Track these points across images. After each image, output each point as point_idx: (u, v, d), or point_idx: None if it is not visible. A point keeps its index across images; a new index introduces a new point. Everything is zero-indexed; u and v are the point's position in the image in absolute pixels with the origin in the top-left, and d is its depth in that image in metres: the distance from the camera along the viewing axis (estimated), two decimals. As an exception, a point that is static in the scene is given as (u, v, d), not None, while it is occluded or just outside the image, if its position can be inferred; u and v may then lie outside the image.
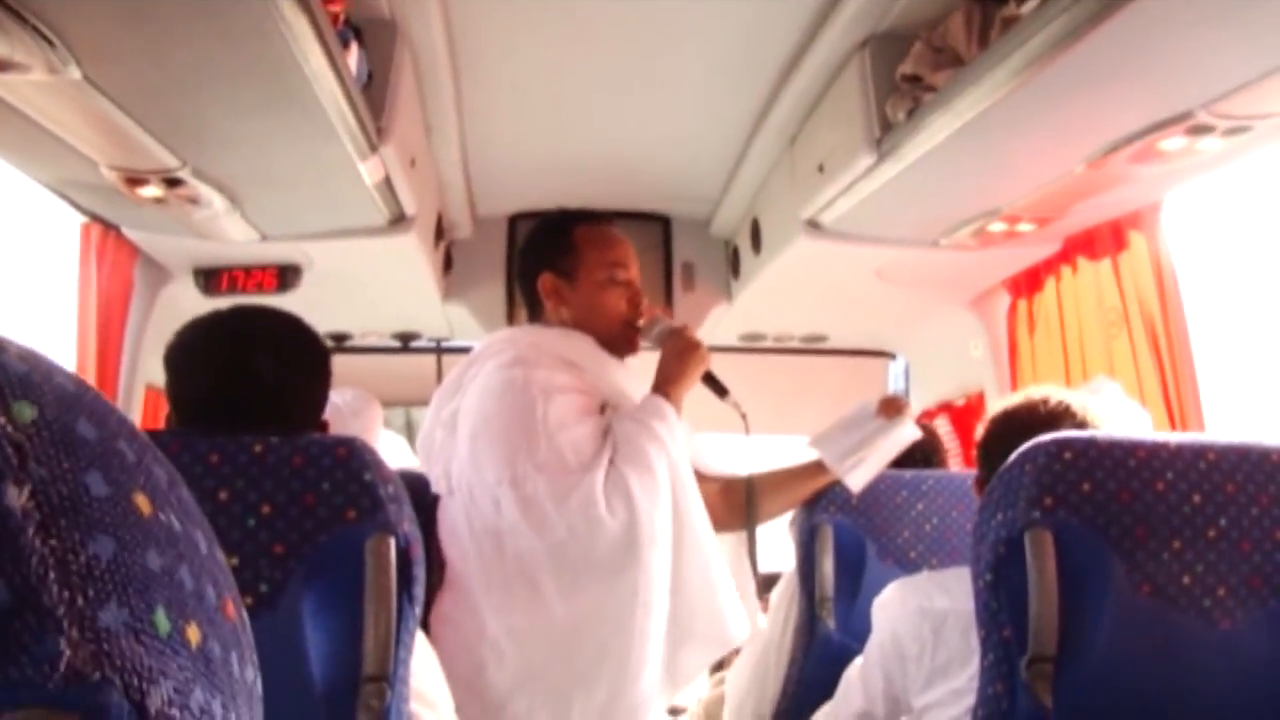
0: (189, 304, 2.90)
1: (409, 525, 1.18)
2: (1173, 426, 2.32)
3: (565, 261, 2.07)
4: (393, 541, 1.15)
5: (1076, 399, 1.62)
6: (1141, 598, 1.19)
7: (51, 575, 0.35)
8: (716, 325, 3.59)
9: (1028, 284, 2.92)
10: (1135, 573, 1.20)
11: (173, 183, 2.08)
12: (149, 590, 0.39)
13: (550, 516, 1.77)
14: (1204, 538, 1.20)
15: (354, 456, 1.16)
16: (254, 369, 1.41)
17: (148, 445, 0.43)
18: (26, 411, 0.37)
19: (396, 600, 1.16)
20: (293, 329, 1.52)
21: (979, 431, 1.71)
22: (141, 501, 0.40)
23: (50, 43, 1.43)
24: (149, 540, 0.40)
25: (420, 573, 1.20)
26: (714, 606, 1.90)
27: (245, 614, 0.48)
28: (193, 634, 0.41)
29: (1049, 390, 1.65)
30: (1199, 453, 1.23)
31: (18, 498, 0.35)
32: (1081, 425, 1.55)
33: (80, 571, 0.36)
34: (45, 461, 0.36)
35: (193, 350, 1.45)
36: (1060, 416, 1.57)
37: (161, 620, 0.39)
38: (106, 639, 0.36)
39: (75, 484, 0.37)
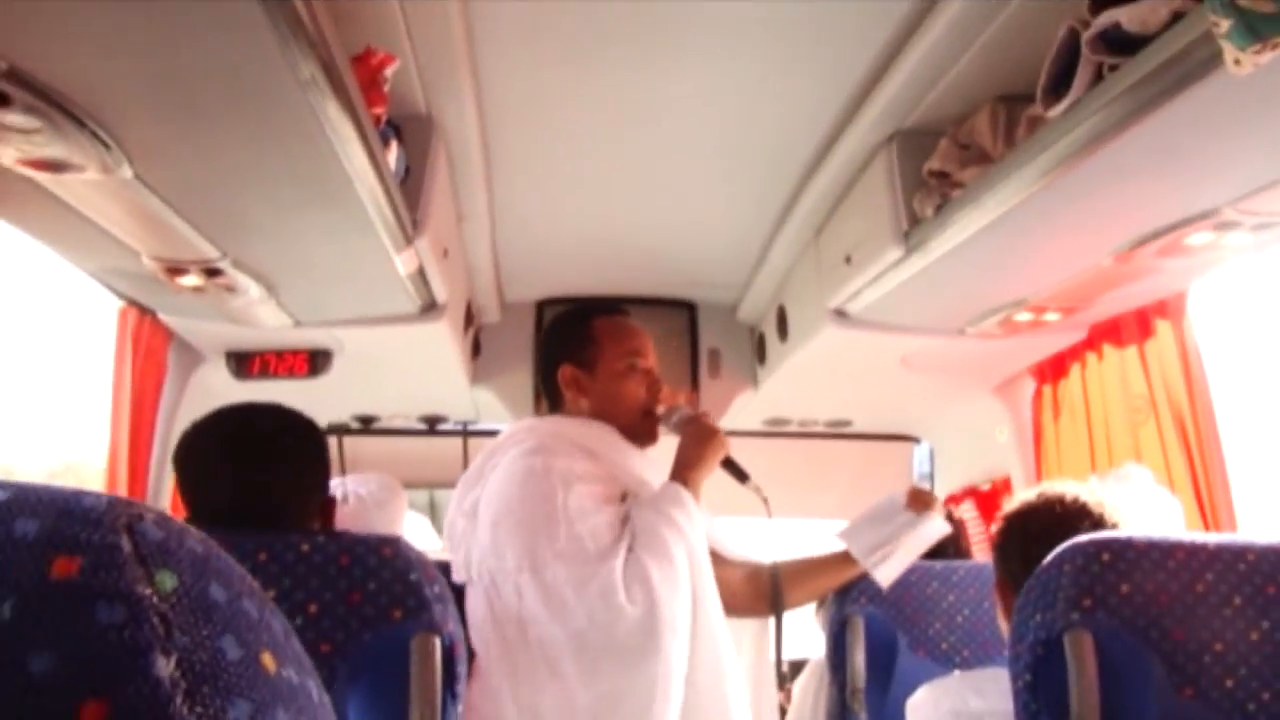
0: (220, 386, 2.93)
1: (454, 625, 1.19)
2: (1202, 515, 2.30)
3: (584, 353, 2.11)
4: (438, 641, 1.16)
5: (1092, 495, 1.61)
6: (1183, 701, 1.18)
7: None
8: (742, 410, 3.59)
9: (1053, 370, 2.92)
10: (1176, 675, 1.19)
11: (212, 272, 2.11)
12: None
13: (570, 604, 1.77)
14: (1246, 640, 1.19)
15: (399, 556, 1.17)
16: (238, 473, 1.48)
17: (265, 601, 0.45)
18: (168, 581, 0.38)
19: (441, 699, 1.16)
20: (277, 427, 1.60)
21: (994, 529, 1.71)
22: (268, 660, 0.42)
23: (106, 145, 1.47)
24: (277, 699, 0.41)
25: (463, 670, 1.20)
26: (721, 695, 1.89)
27: None
28: None
29: (1064, 487, 1.64)
30: (1239, 554, 1.23)
31: (166, 668, 0.36)
32: (1099, 523, 1.55)
33: None
34: (187, 630, 0.38)
35: (186, 457, 1.55)
36: (1077, 517, 1.56)
37: None
38: None
39: (213, 650, 0.39)
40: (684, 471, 2.02)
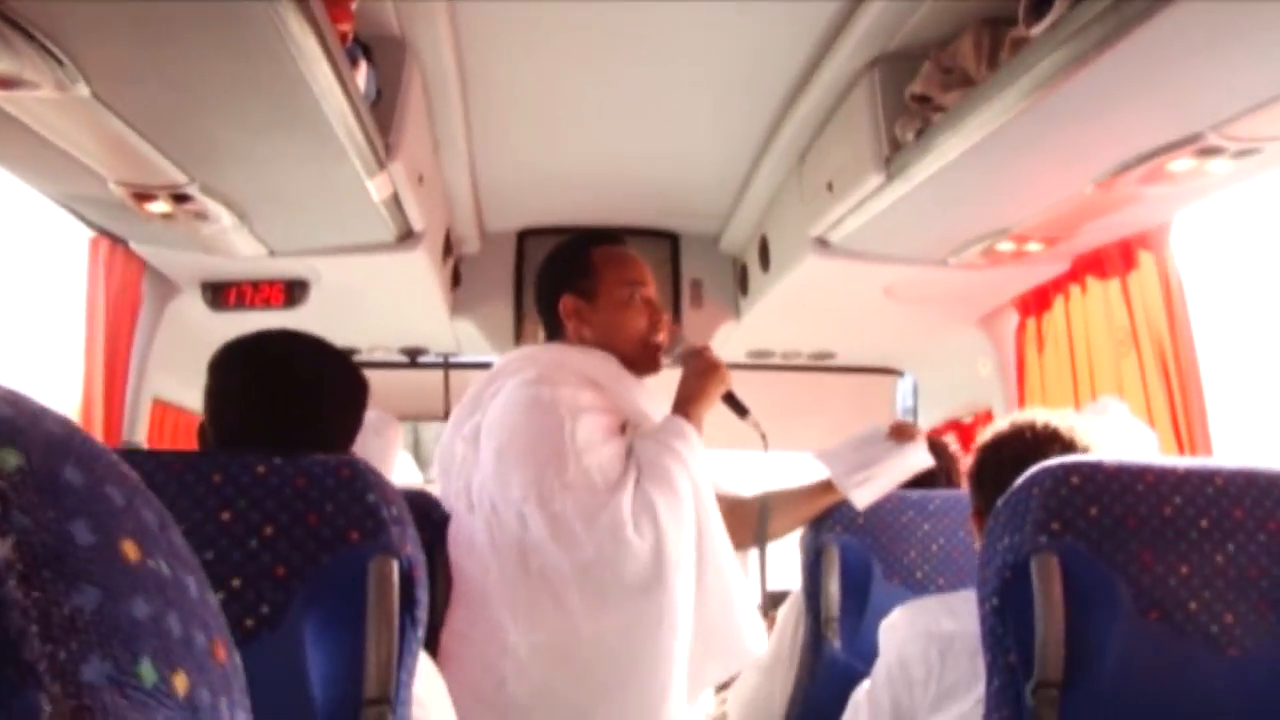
0: (196, 318, 2.91)
1: (412, 547, 1.18)
2: (1180, 446, 2.31)
3: (585, 283, 2.09)
4: (396, 564, 1.15)
5: (1064, 421, 1.61)
6: (1149, 623, 1.18)
7: (33, 629, 0.35)
8: (724, 342, 3.59)
9: (1036, 303, 2.91)
10: (1142, 598, 1.19)
11: (181, 198, 2.08)
12: (134, 641, 0.38)
13: (579, 535, 1.77)
14: (1211, 563, 1.19)
15: (358, 477, 1.15)
16: (290, 400, 1.45)
17: (137, 488, 0.43)
18: (11, 459, 0.36)
19: (399, 623, 1.15)
20: (334, 362, 1.56)
21: (969, 461, 1.71)
22: (129, 548, 0.40)
23: (59, 61, 1.43)
24: (136, 588, 0.39)
25: (423, 595, 1.19)
26: (733, 623, 1.91)
27: (237, 655, 0.47)
28: (180, 683, 0.40)
29: (1034, 414, 1.64)
30: (1207, 477, 1.22)
31: (0, 548, 0.34)
32: (1069, 448, 1.54)
33: (63, 624, 0.36)
34: (29, 510, 0.36)
35: (230, 372, 1.49)
36: (1048, 442, 1.56)
37: (147, 671, 0.38)
38: (89, 694, 0.36)
39: (59, 533, 0.37)
40: (686, 406, 2.01)
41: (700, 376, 2.05)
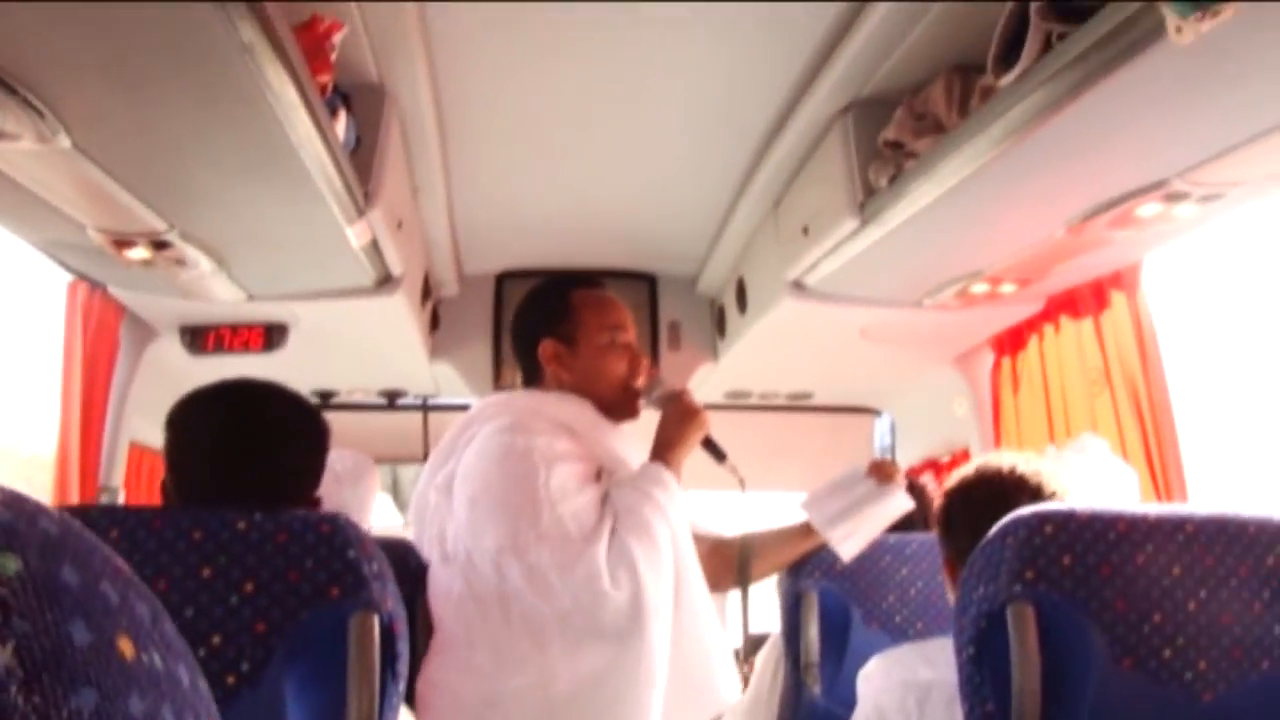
0: (175, 362, 2.90)
1: (393, 602, 1.17)
2: (1154, 484, 2.33)
3: (564, 327, 2.07)
4: (376, 619, 1.15)
5: (1030, 467, 1.62)
6: (1124, 671, 1.19)
7: None
8: (702, 383, 3.60)
9: (1011, 342, 2.94)
10: (1117, 646, 1.20)
11: (160, 245, 2.08)
12: None
13: (555, 586, 1.76)
14: (1184, 610, 1.21)
15: (338, 533, 1.15)
16: (253, 449, 1.45)
17: (130, 581, 0.43)
18: (10, 564, 0.37)
19: (379, 678, 1.15)
20: (293, 408, 1.56)
21: (937, 507, 1.71)
22: (124, 645, 0.40)
23: (40, 113, 1.44)
24: (131, 686, 0.40)
25: (404, 649, 1.19)
26: (708, 670, 1.89)
27: None
28: None
29: (1001, 460, 1.65)
30: (1178, 525, 1.23)
31: (1, 655, 0.35)
32: (1037, 494, 1.55)
33: None
34: (29, 615, 0.36)
35: (189, 425, 1.49)
36: (1016, 489, 1.57)
37: None
38: None
39: (58, 636, 0.37)
40: (665, 451, 2.00)
41: (679, 421, 2.04)
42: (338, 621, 1.13)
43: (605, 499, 1.89)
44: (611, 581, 1.77)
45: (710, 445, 2.09)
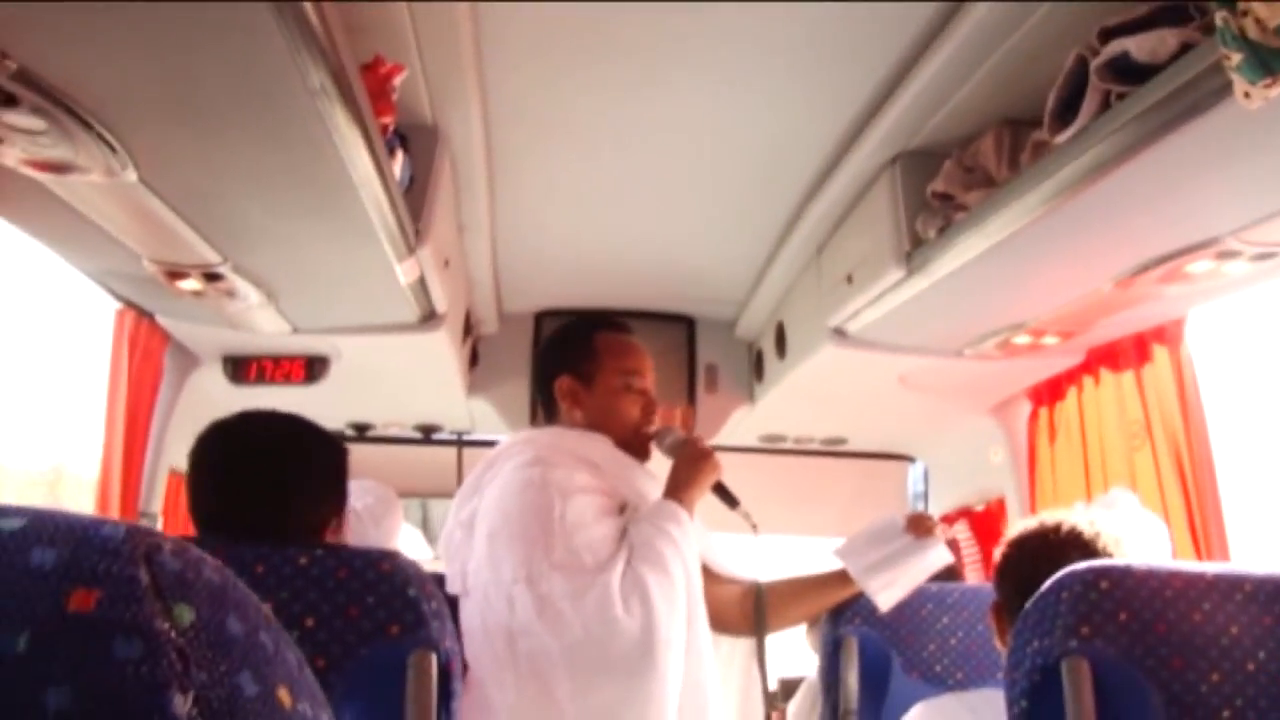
0: (217, 391, 2.93)
1: (450, 641, 1.18)
2: (1194, 543, 2.30)
3: (584, 366, 2.11)
4: (434, 657, 1.15)
5: (1088, 523, 1.61)
6: (1181, 732, 1.18)
7: None
8: (738, 426, 3.60)
9: (1049, 393, 2.93)
10: (1173, 705, 1.19)
11: (212, 277, 2.11)
12: None
13: (566, 616, 1.76)
14: (1243, 670, 1.19)
15: (398, 571, 1.16)
16: (257, 478, 1.48)
17: (280, 632, 0.44)
18: (186, 615, 0.38)
19: (436, 715, 1.15)
20: (303, 436, 1.58)
21: (996, 554, 1.71)
22: (283, 695, 0.41)
23: (112, 148, 1.47)
24: None
25: (459, 687, 1.19)
26: (703, 714, 1.89)
27: None
28: None
29: (1062, 516, 1.64)
30: (1236, 584, 1.22)
31: (183, 705, 0.36)
32: (1088, 551, 1.55)
33: None
34: (205, 665, 0.37)
35: (202, 458, 1.52)
36: (1069, 544, 1.56)
37: None
38: None
39: (231, 686, 0.38)
40: (678, 491, 2.01)
41: (691, 463, 2.05)
42: (396, 659, 1.14)
43: (624, 534, 1.90)
44: (624, 608, 1.77)
45: (722, 490, 2.10)
